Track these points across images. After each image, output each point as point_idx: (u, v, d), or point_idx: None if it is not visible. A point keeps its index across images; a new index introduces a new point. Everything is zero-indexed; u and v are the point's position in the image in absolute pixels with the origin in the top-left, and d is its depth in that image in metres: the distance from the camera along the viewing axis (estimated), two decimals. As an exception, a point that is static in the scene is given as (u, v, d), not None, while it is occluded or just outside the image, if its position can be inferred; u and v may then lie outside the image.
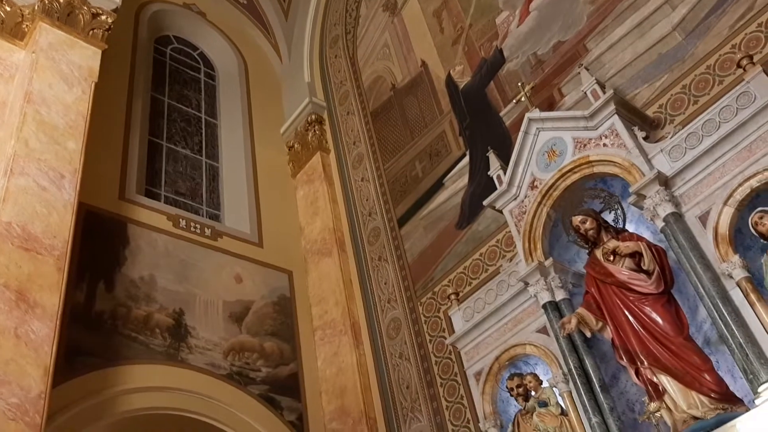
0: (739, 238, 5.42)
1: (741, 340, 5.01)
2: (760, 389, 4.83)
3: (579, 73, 7.15)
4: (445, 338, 7.91)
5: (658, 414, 5.14)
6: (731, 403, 5.09)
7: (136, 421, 7.58)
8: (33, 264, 6.49)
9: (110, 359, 7.52)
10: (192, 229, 9.41)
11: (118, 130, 9.70)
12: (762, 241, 5.19)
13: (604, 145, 6.41)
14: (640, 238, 5.94)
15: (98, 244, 8.29)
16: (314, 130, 11.52)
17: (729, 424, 4.86)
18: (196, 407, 7.85)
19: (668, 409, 5.31)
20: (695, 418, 5.13)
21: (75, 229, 7.13)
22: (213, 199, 10.70)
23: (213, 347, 8.51)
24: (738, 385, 5.25)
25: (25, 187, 6.95)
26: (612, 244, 5.95)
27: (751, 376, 4.92)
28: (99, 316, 7.79)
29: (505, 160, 7.34)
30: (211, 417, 7.92)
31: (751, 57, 5.79)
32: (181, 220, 9.38)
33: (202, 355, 8.33)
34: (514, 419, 6.42)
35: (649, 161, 6.00)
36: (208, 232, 9.57)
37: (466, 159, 8.94)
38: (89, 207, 8.34)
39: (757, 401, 4.83)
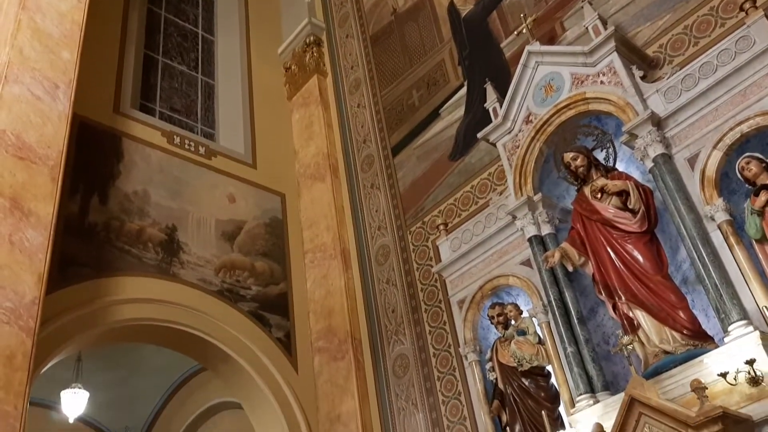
0: (726, 182, 5.51)
1: (717, 281, 5.17)
2: (730, 328, 5.02)
3: (582, 7, 7.05)
4: (432, 266, 8.09)
5: (630, 347, 5.33)
6: (702, 340, 5.29)
7: (128, 330, 7.81)
8: (27, 173, 6.52)
9: (103, 270, 7.68)
10: (186, 146, 9.42)
11: (114, 42, 9.57)
12: (747, 186, 5.29)
13: (602, 82, 6.40)
14: (628, 178, 6.02)
15: (92, 156, 8.32)
16: (312, 52, 11.36)
17: (697, 360, 5.07)
18: (186, 320, 8.07)
19: (641, 342, 5.52)
20: (666, 352, 5.35)
21: (69, 141, 7.11)
22: (208, 117, 10.66)
23: (205, 264, 8.67)
24: (710, 324, 5.44)
25: (19, 96, 6.90)
26: (601, 182, 6.04)
27: (723, 315, 5.11)
28: (92, 227, 7.90)
29: (502, 93, 7.32)
30: (202, 330, 8.15)
31: (754, 0, 5.73)
32: (175, 136, 9.38)
33: (193, 271, 8.50)
34: (493, 346, 6.67)
35: (644, 101, 6.02)
36: (202, 150, 9.59)
37: (464, 90, 8.89)
38: (83, 119, 8.32)
39: (726, 339, 5.03)
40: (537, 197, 6.62)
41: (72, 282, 7.35)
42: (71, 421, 9.78)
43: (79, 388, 9.67)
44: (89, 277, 7.53)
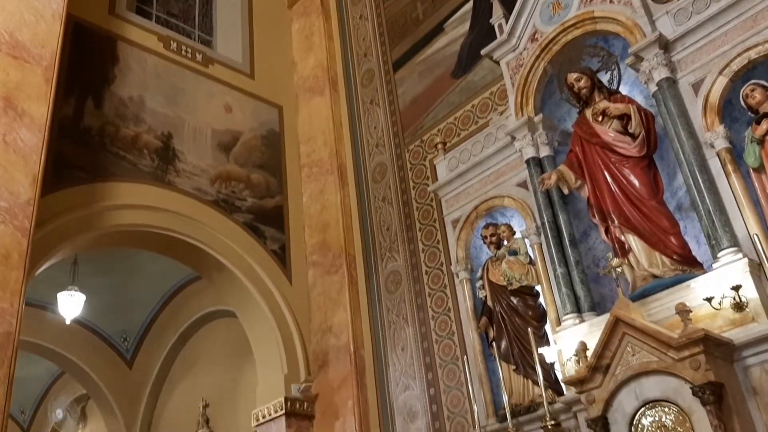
0: (729, 109, 5.46)
1: (710, 208, 5.19)
2: (719, 254, 5.07)
3: None
4: (428, 185, 8.08)
5: (619, 269, 5.40)
6: (691, 266, 5.35)
7: (122, 235, 7.86)
8: (21, 72, 6.40)
9: (98, 175, 7.64)
10: (183, 52, 9.21)
11: (109, -62, 9.20)
12: (750, 114, 5.23)
13: (611, 1, 6.23)
14: (631, 101, 5.95)
15: (87, 59, 8.13)
16: (314, -42, 10.95)
17: (684, 284, 5.15)
18: (182, 228, 8.10)
19: (630, 266, 5.59)
20: (654, 276, 5.42)
21: (63, 41, 6.95)
22: (206, 23, 10.36)
23: (200, 173, 8.63)
24: (701, 251, 5.49)
25: (12, -8, 6.70)
26: (603, 104, 5.97)
27: (714, 242, 5.15)
28: (87, 131, 7.81)
29: (509, 9, 7.12)
30: (197, 239, 8.20)
31: None
32: (172, 42, 9.15)
33: (189, 180, 8.47)
34: (485, 265, 6.76)
35: (653, 22, 5.87)
36: (199, 57, 9.38)
37: (470, 4, 8.63)
38: (78, 20, 8.09)
39: (714, 265, 5.09)
40: (537, 118, 6.56)
41: (67, 185, 7.32)
42: (68, 322, 9.96)
43: (76, 290, 9.80)
44: (84, 180, 7.50)
